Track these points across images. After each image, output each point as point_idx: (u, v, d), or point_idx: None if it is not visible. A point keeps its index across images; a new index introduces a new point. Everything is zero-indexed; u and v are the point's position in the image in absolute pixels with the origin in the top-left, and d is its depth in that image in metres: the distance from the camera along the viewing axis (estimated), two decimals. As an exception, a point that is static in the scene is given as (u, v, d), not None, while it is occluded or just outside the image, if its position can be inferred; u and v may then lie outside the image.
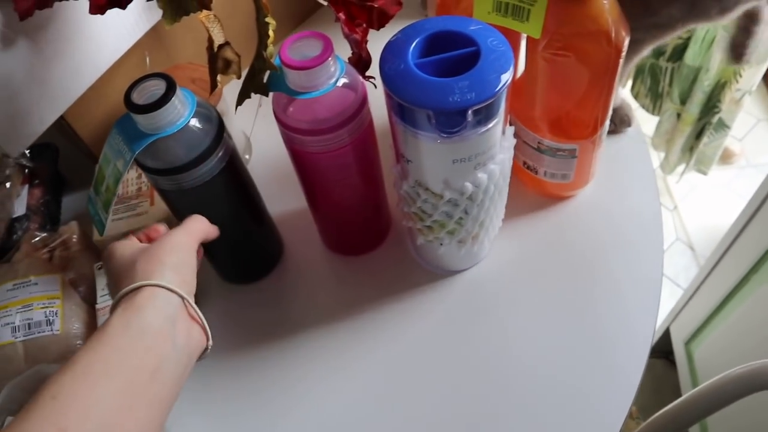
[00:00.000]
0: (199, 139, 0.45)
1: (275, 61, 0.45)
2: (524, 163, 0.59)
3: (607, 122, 0.55)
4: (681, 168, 1.46)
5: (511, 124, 0.50)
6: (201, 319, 0.40)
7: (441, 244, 0.53)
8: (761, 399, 0.60)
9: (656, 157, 1.43)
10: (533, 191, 0.62)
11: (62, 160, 0.71)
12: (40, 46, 0.51)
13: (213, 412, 0.52)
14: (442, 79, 0.40)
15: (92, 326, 0.54)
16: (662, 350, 1.23)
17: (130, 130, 0.44)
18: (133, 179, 0.61)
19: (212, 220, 0.47)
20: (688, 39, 1.21)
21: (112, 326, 0.35)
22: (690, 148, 1.38)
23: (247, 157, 0.69)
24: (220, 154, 0.47)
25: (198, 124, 0.45)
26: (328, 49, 0.44)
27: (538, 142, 0.56)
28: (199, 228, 0.45)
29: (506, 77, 0.40)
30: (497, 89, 0.39)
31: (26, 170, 0.68)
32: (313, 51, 0.44)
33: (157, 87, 0.43)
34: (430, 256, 0.57)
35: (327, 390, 0.53)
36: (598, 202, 0.61)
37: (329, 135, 0.46)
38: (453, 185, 0.46)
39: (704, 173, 1.43)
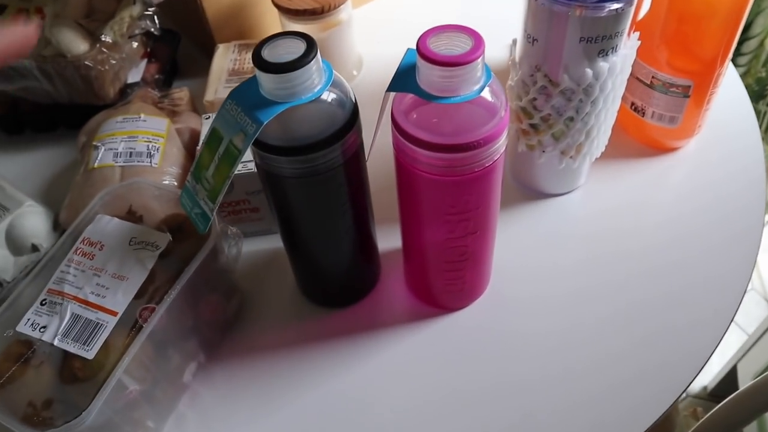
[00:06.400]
0: (333, 114, 0.39)
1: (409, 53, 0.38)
2: (632, 104, 0.59)
3: (726, 65, 0.54)
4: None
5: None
6: None
7: (543, 152, 0.52)
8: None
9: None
10: (635, 138, 0.61)
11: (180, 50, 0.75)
12: None
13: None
14: (587, -58, 0.41)
15: (188, 171, 0.56)
16: (723, 395, 1.16)
17: (251, 99, 0.36)
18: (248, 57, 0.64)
19: (328, 219, 0.42)
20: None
21: None
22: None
23: (355, 72, 0.71)
24: (354, 136, 0.40)
25: (333, 97, 0.39)
26: (479, 45, 0.35)
27: (652, 77, 0.55)
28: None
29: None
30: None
31: (148, 47, 0.71)
32: (457, 48, 0.35)
33: (293, 48, 0.36)
34: (526, 171, 0.57)
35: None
36: (699, 162, 0.60)
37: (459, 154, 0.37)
38: (572, 71, 0.46)
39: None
